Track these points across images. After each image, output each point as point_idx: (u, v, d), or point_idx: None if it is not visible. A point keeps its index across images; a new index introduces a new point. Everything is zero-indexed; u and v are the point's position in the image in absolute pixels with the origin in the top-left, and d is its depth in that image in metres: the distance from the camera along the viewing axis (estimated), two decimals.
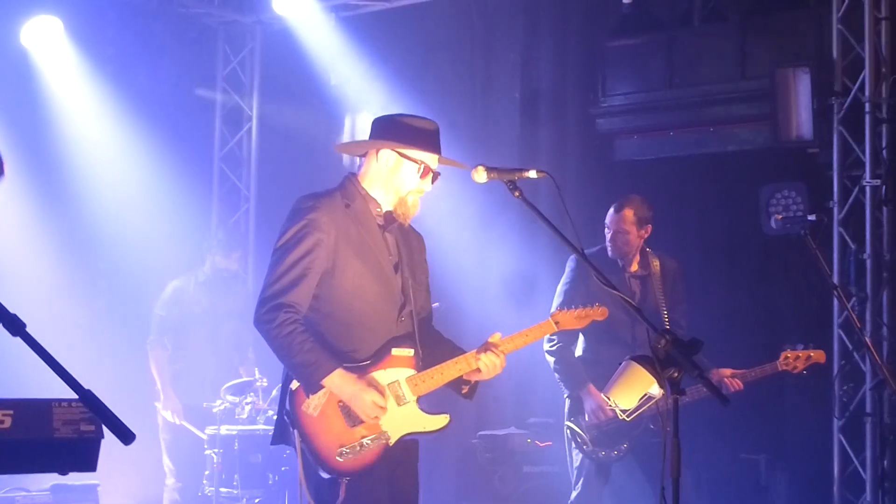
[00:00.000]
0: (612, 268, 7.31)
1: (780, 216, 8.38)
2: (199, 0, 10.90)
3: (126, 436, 3.03)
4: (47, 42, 9.86)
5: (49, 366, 3.10)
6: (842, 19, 8.95)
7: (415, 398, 5.08)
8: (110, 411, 3.05)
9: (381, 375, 5.03)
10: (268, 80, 11.63)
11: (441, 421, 5.14)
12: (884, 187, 8.67)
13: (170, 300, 9.45)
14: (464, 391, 5.26)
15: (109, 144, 10.25)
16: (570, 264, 7.49)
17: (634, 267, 7.47)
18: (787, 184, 8.96)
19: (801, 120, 8.84)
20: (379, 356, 5.07)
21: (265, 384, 8.75)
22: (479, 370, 5.14)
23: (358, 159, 5.39)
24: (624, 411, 6.84)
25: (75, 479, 8.17)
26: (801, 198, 8.78)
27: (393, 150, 5.13)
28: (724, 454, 9.60)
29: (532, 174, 4.74)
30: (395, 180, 5.15)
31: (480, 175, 4.82)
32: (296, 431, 4.92)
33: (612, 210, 7.44)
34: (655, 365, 4.29)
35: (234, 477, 8.54)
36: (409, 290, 5.24)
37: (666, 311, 7.27)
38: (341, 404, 4.93)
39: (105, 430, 3.15)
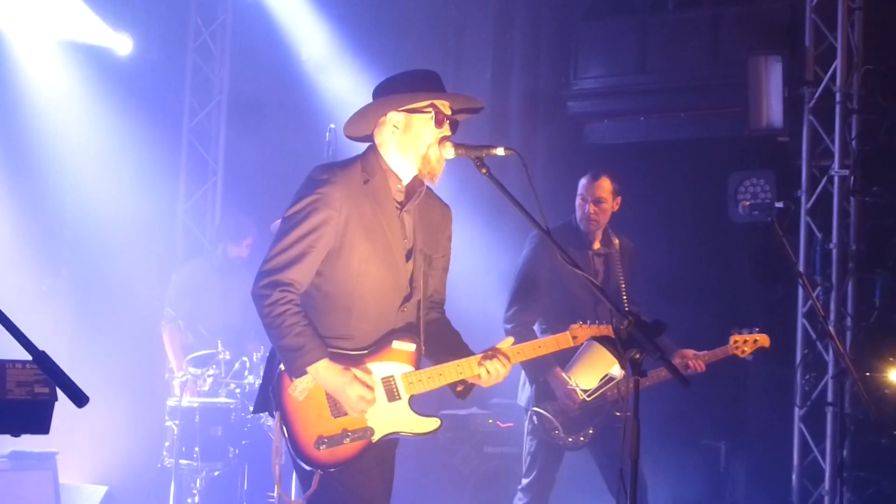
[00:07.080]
0: (577, 245, 7.17)
1: (748, 203, 8.42)
2: None
3: (79, 398, 3.00)
4: (14, 10, 9.73)
5: (4, 326, 3.07)
6: (815, 8, 8.97)
7: (408, 397, 4.84)
8: (64, 373, 3.02)
9: (377, 367, 4.80)
10: (239, 53, 11.54)
11: (431, 424, 4.90)
12: (852, 178, 8.70)
13: (184, 284, 9.48)
14: (458, 389, 4.98)
15: (77, 113, 10.15)
16: (531, 241, 7.32)
17: (597, 245, 7.28)
18: (755, 171, 8.98)
19: (772, 108, 8.85)
20: (378, 346, 4.83)
21: (227, 357, 8.71)
22: (479, 376, 4.87)
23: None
24: (585, 391, 6.77)
25: (34, 446, 8.13)
26: (769, 186, 8.80)
27: (398, 109, 4.88)
28: (685, 440, 9.63)
29: (500, 151, 4.66)
30: (412, 139, 4.85)
31: (448, 151, 4.77)
32: (278, 413, 4.72)
33: (587, 180, 7.22)
34: (617, 346, 4.27)
35: (195, 449, 8.50)
36: (418, 279, 4.96)
37: (625, 290, 7.21)
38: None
39: (59, 392, 3.13)
